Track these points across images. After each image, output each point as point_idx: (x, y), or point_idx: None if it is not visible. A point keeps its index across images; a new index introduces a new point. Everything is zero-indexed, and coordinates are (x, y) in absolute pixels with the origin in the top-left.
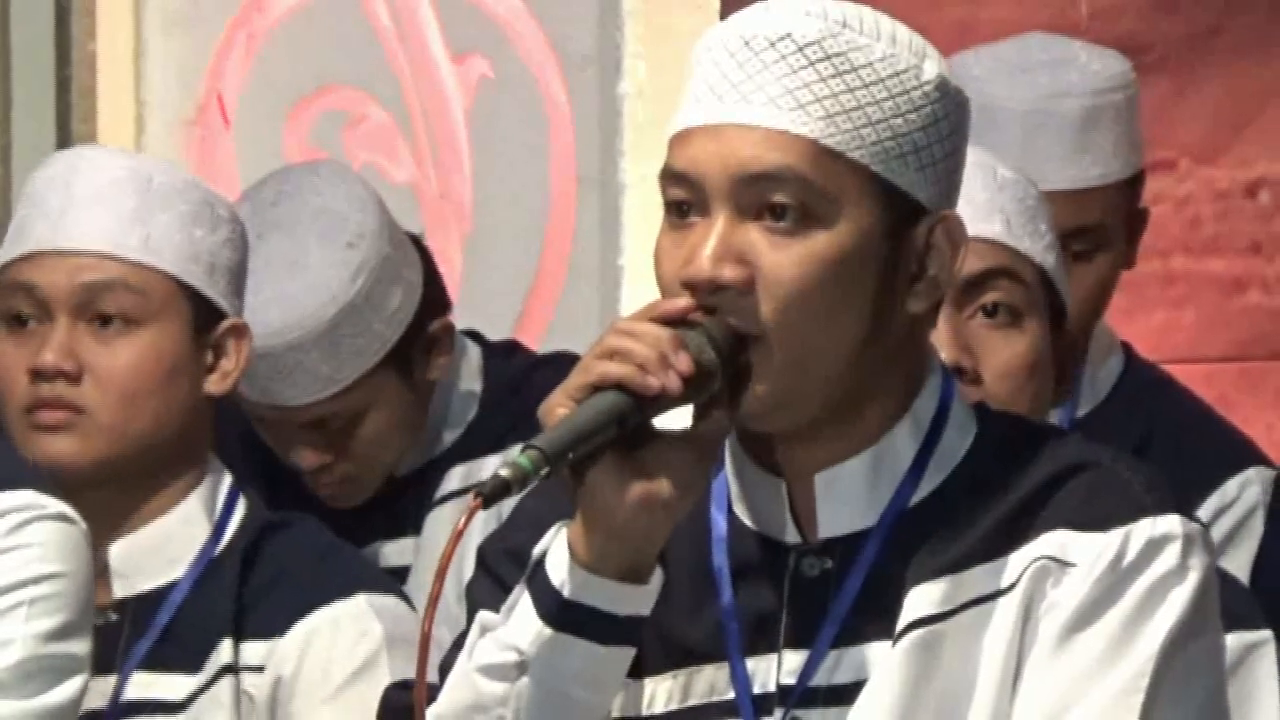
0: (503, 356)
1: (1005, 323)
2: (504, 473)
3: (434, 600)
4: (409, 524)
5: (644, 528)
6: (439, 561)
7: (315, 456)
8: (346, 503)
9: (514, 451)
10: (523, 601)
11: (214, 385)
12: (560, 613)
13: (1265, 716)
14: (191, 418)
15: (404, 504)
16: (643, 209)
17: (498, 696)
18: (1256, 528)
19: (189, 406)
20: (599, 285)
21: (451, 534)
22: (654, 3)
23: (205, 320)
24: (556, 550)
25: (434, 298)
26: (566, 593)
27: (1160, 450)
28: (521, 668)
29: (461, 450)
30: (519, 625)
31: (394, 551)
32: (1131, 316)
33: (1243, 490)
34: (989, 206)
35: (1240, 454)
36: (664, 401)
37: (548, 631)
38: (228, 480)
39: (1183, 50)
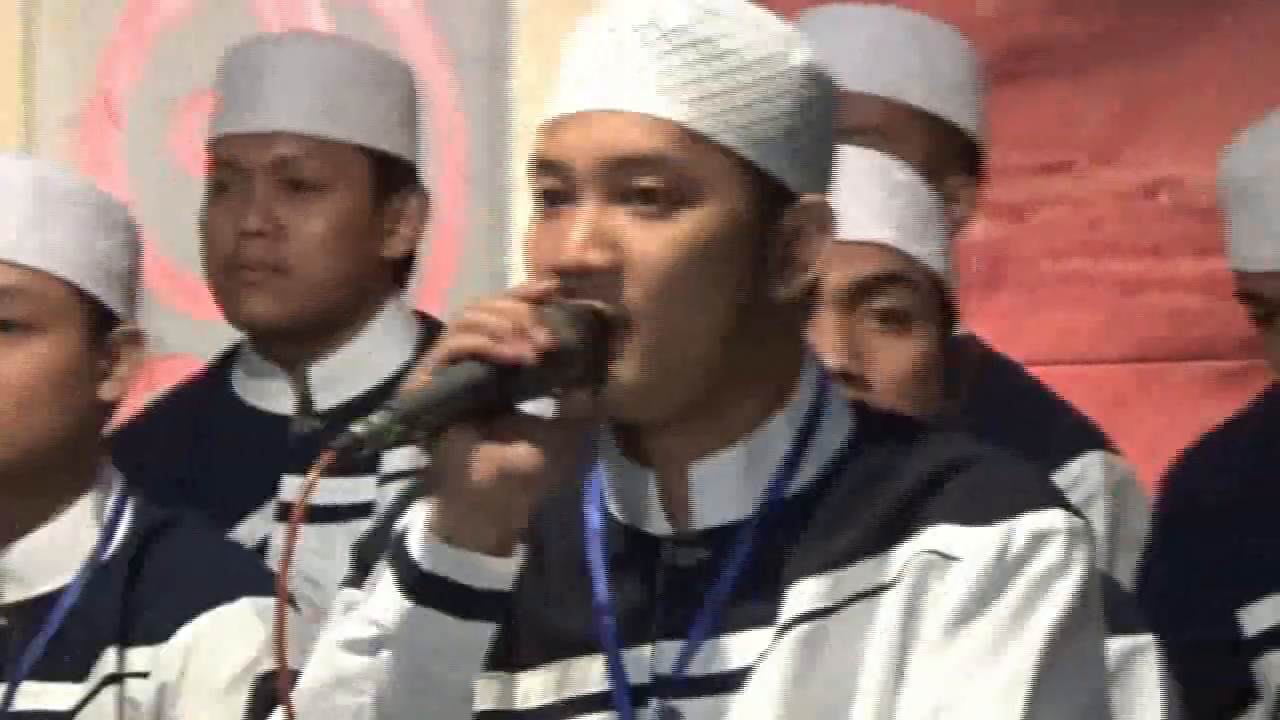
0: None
1: (895, 328)
2: (356, 429)
3: (287, 554)
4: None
5: (503, 500)
6: (292, 515)
7: (262, 218)
8: (259, 307)
9: None
10: (384, 576)
11: (107, 392)
12: (419, 585)
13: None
14: (85, 424)
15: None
16: (531, 209)
17: (359, 671)
18: (1099, 509)
19: (83, 413)
20: (487, 285)
21: (304, 485)
22: (544, 3)
23: (101, 326)
24: (418, 524)
25: (406, 165)
26: (426, 565)
27: (1003, 431)
28: (382, 641)
29: None
30: (380, 599)
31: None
32: (1030, 317)
33: (1085, 472)
34: (882, 210)
35: (1083, 436)
36: (523, 375)
37: (407, 604)
38: (119, 484)
39: (1081, 51)
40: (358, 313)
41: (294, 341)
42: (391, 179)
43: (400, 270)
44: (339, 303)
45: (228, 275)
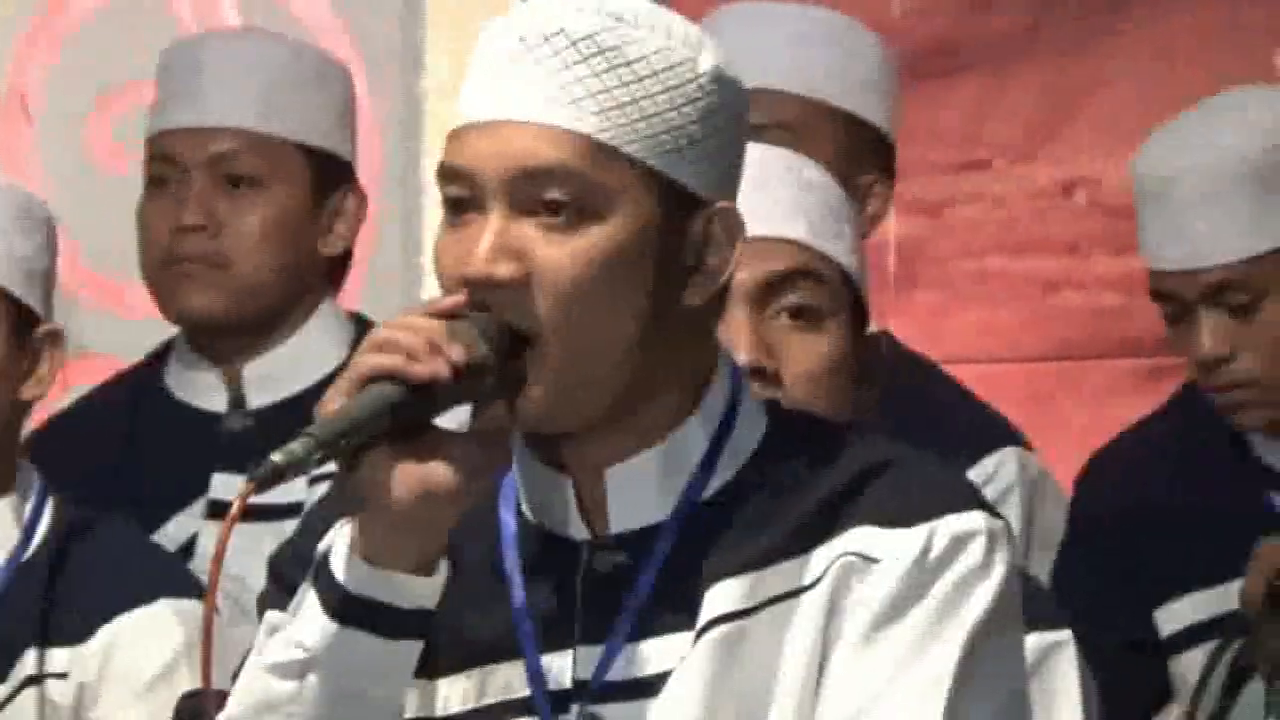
0: None
1: (806, 324)
2: (276, 458)
3: (213, 583)
4: None
5: (425, 519)
6: (216, 545)
7: (199, 213)
8: (196, 301)
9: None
10: (309, 598)
11: (28, 392)
12: (345, 607)
13: (1066, 716)
14: (6, 425)
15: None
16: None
17: (287, 694)
18: (1013, 505)
19: (4, 414)
20: (400, 283)
21: (226, 518)
22: (456, 2)
23: (22, 327)
24: (341, 545)
25: (343, 164)
26: (350, 587)
27: (918, 428)
28: (309, 664)
29: None
30: (305, 622)
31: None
32: (948, 315)
33: (999, 468)
34: (793, 207)
35: (997, 432)
36: (438, 392)
37: (333, 627)
38: (38, 483)
39: (997, 49)
40: (293, 311)
41: (230, 337)
42: (329, 177)
43: (335, 269)
44: (276, 299)
45: (165, 270)
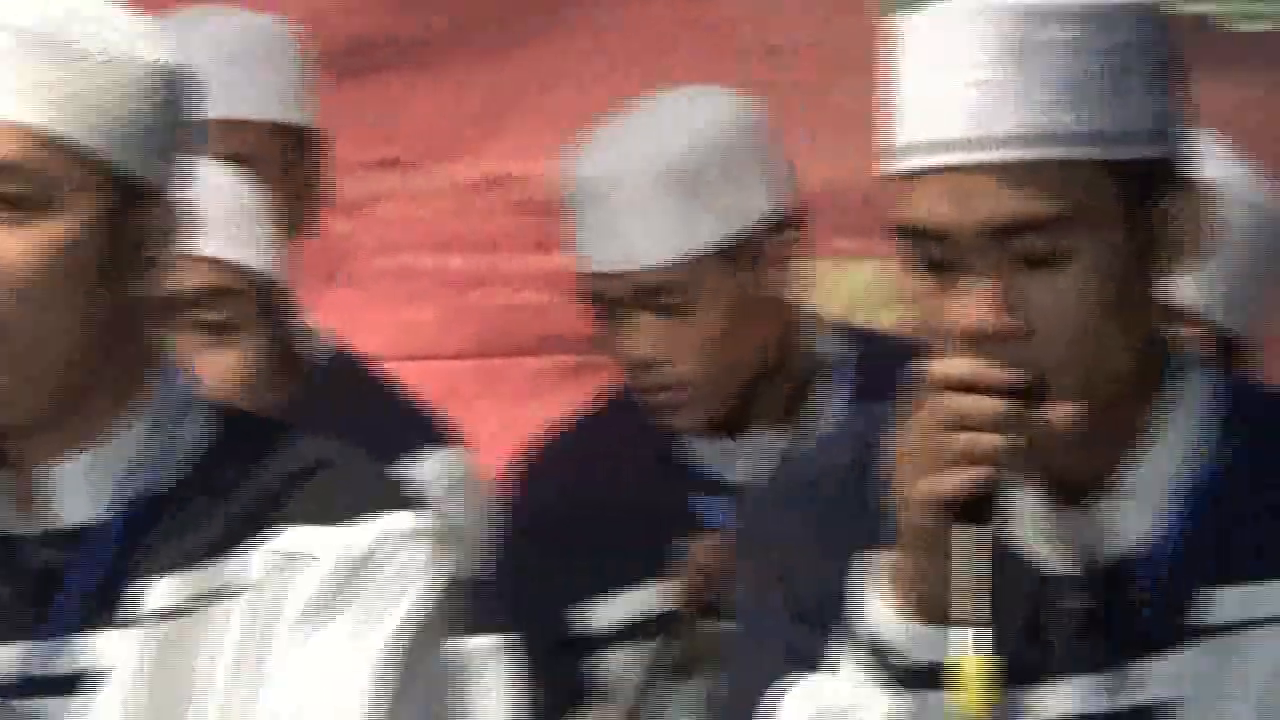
0: None
1: (219, 339)
2: None
3: None
4: None
5: None
6: None
7: None
8: None
9: None
10: None
11: None
12: None
13: (493, 717)
14: None
15: None
16: None
17: None
18: (444, 504)
19: None
20: None
21: None
22: None
23: None
24: None
25: None
26: None
27: (352, 426)
28: None
29: None
30: None
31: None
32: (367, 313)
33: (431, 466)
34: (199, 218)
35: (429, 431)
36: None
37: None
38: None
39: (423, 47)
40: None
41: None
42: None
43: None
44: None
45: None
